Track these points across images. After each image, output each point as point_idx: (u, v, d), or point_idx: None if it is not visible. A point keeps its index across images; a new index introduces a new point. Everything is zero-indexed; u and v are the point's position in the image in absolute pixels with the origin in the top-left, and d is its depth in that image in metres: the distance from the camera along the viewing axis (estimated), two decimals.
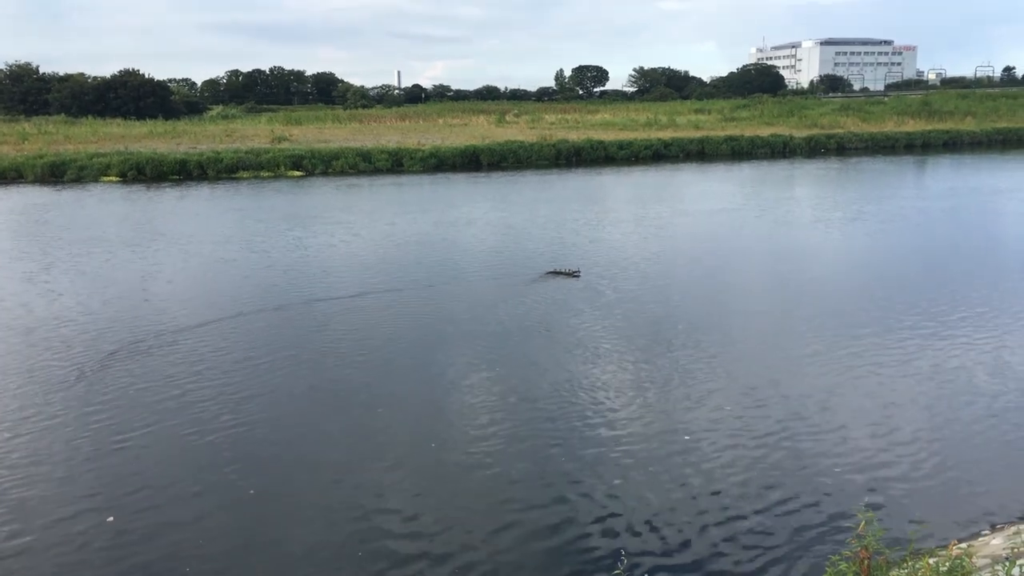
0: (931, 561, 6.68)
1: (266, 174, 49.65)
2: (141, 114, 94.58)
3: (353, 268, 23.56)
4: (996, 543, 8.56)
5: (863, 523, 6.61)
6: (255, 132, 69.01)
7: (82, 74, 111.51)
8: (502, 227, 30.30)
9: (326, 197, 40.64)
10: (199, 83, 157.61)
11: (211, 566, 8.96)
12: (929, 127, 72.50)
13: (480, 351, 15.99)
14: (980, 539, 8.97)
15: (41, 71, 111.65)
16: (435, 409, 13.09)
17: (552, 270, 22.16)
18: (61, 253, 25.97)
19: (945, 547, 8.56)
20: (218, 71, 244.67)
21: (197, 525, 9.70)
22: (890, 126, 73.07)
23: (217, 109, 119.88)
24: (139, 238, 28.62)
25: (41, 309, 19.31)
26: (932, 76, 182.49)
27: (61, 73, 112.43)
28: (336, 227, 30.28)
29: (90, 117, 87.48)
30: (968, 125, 73.73)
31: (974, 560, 7.44)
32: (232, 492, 10.51)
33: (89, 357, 15.63)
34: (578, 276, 21.63)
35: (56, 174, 47.98)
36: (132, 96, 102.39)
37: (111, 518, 9.90)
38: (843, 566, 6.54)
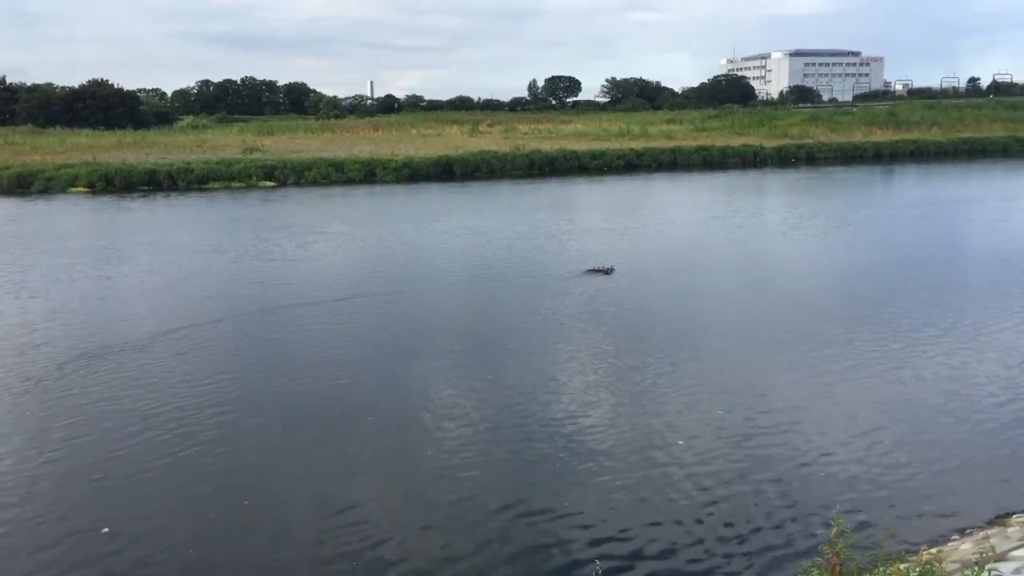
0: (902, 567, 6.74)
1: (237, 184, 49.29)
2: (110, 124, 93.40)
3: (373, 273, 23.87)
4: (966, 548, 8.65)
5: (835, 530, 6.66)
6: (226, 142, 68.45)
7: (50, 84, 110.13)
8: (511, 235, 30.58)
9: (306, 207, 40.42)
10: (169, 93, 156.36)
11: None
12: (896, 137, 73.40)
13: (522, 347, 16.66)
14: (950, 544, 9.06)
15: (8, 81, 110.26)
16: (433, 415, 13.07)
17: (590, 268, 23.86)
18: (27, 264, 25.60)
19: (916, 552, 8.65)
20: (189, 81, 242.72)
21: (183, 535, 9.59)
22: (858, 136, 73.88)
23: (187, 119, 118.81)
24: (106, 249, 28.28)
25: (8, 318, 19.02)
26: (899, 87, 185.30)
27: (28, 83, 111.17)
28: (330, 236, 30.19)
29: (58, 127, 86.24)
30: (934, 135, 74.77)
31: (944, 565, 7.51)
32: (219, 502, 10.45)
33: (55, 366, 15.41)
34: (609, 273, 23.34)
35: (23, 185, 47.32)
36: (101, 106, 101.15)
37: (106, 529, 9.84)
38: (816, 572, 6.58)
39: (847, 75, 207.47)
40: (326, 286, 22.25)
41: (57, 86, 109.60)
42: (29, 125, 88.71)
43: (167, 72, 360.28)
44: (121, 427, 12.78)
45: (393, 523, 9.90)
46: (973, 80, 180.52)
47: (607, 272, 23.42)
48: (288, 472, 11.33)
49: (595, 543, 9.37)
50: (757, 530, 9.58)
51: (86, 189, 47.34)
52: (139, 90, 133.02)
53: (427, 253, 27.41)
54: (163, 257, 26.89)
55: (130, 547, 9.48)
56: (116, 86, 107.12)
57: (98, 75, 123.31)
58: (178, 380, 14.87)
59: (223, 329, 18.23)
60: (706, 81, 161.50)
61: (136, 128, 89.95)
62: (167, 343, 17.10)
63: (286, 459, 11.75)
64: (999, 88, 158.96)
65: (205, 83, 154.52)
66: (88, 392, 14.31)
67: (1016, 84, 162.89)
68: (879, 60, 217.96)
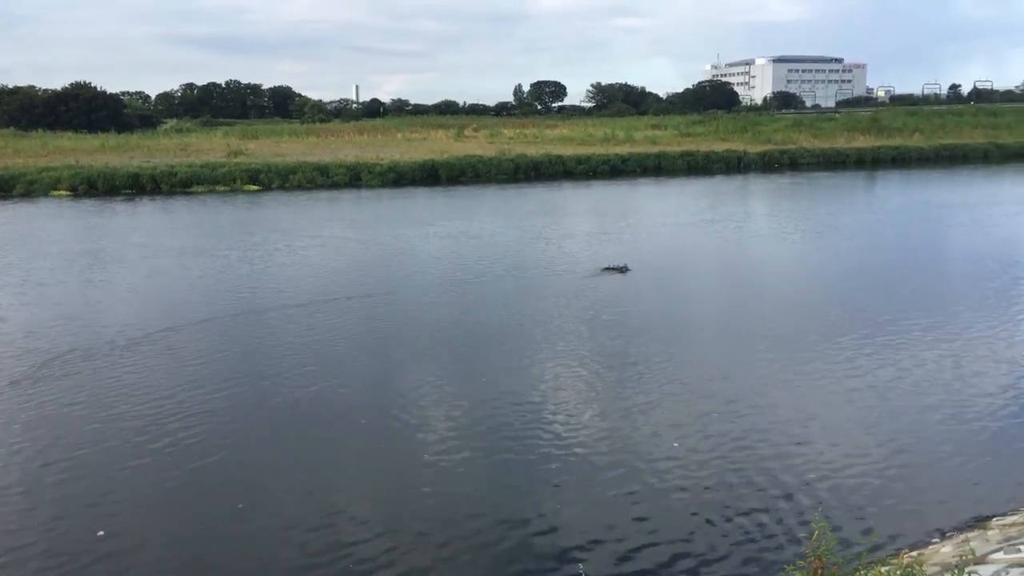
0: (883, 569, 6.80)
1: (222, 188, 49.03)
2: (93, 127, 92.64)
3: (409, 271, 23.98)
4: (946, 551, 8.72)
5: (817, 532, 6.71)
6: (210, 146, 68.06)
7: (32, 86, 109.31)
8: (515, 237, 30.95)
9: (298, 211, 40.24)
10: (153, 96, 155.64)
11: None
12: (879, 143, 73.95)
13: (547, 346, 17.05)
14: (931, 547, 9.13)
15: None
16: (430, 417, 13.04)
17: (606, 267, 24.57)
18: (10, 266, 25.39)
19: (897, 555, 8.72)
20: (172, 84, 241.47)
21: (178, 538, 9.54)
22: (841, 142, 74.36)
23: (171, 123, 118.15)
24: (90, 251, 28.08)
25: None
26: (881, 93, 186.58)
27: (10, 85, 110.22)
28: (336, 240, 30.12)
29: (40, 130, 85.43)
30: (916, 141, 75.34)
31: (925, 568, 7.58)
32: (214, 504, 10.43)
33: (43, 366, 15.28)
34: (624, 272, 24.03)
35: (4, 188, 46.82)
36: (84, 109, 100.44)
37: (101, 532, 9.82)
38: (797, 575, 6.63)
39: (830, 81, 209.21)
40: (341, 286, 22.45)
41: (39, 88, 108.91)
42: (11, 128, 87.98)
43: (151, 75, 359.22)
44: (112, 428, 12.68)
45: (385, 525, 9.87)
46: (954, 87, 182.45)
47: (622, 271, 24.07)
48: (282, 475, 11.27)
49: (581, 546, 9.38)
50: (739, 532, 9.63)
51: (68, 192, 46.96)
52: (122, 93, 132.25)
53: (434, 255, 27.49)
54: (150, 260, 26.72)
55: (128, 549, 9.44)
56: (99, 89, 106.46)
57: (81, 78, 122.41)
58: (170, 381, 14.75)
59: (215, 330, 18.13)
60: (691, 87, 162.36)
61: (119, 131, 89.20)
62: (157, 344, 16.98)
63: (280, 461, 11.70)
64: (980, 95, 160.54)
65: (189, 86, 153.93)
66: (77, 392, 14.18)
67: (996, 91, 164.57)
68: (861, 67, 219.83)
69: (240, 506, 10.45)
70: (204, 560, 9.31)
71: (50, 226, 35.66)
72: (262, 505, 10.47)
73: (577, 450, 11.92)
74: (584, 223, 34.94)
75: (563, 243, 29.60)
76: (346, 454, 12.09)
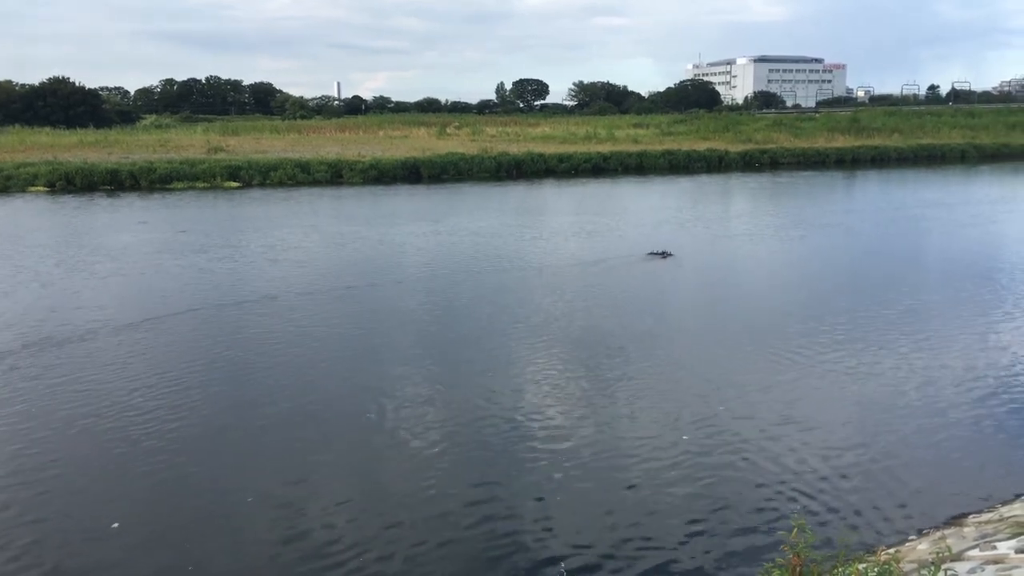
0: (860, 567, 6.83)
1: (202, 185, 48.65)
2: (71, 123, 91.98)
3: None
4: (922, 548, 8.80)
5: (795, 530, 6.73)
6: (190, 142, 67.53)
7: (9, 81, 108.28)
8: (537, 232, 31.48)
9: (278, 208, 39.97)
10: (132, 92, 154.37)
11: None
12: (858, 143, 74.53)
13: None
14: (907, 544, 9.20)
15: None
16: (431, 411, 12.97)
17: (650, 252, 26.05)
18: None
19: (874, 553, 8.79)
20: (152, 80, 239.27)
21: (175, 537, 9.47)
22: (820, 142, 74.89)
23: (151, 118, 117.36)
24: (61, 248, 27.81)
25: None
26: (861, 94, 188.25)
27: None
28: (349, 236, 29.95)
29: (17, 126, 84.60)
30: (895, 141, 75.99)
31: (901, 565, 7.64)
32: (216, 501, 10.31)
33: (8, 355, 15.11)
34: (665, 257, 25.38)
35: None
36: (62, 104, 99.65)
37: (116, 524, 9.75)
38: (776, 572, 6.65)
39: (810, 81, 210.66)
40: (367, 276, 22.73)
41: (16, 83, 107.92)
42: None
43: (130, 70, 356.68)
44: (96, 421, 12.56)
45: (371, 521, 9.82)
46: (933, 88, 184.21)
47: (664, 256, 25.39)
48: (280, 471, 11.17)
49: (555, 546, 9.37)
50: (715, 530, 9.65)
51: (46, 188, 46.50)
52: (101, 88, 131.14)
53: (450, 250, 27.77)
54: (132, 255, 26.45)
55: (135, 541, 9.38)
56: (77, 84, 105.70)
57: (59, 73, 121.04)
58: (154, 372, 14.59)
59: (198, 321, 17.95)
60: (672, 86, 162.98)
61: (98, 127, 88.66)
62: (140, 335, 16.81)
63: (275, 458, 11.57)
64: (958, 96, 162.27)
65: (169, 82, 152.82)
66: (60, 385, 14.04)
67: (974, 92, 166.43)
68: (841, 67, 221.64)
69: (249, 499, 10.41)
70: (207, 557, 9.23)
71: (28, 222, 35.25)
72: (265, 501, 10.37)
73: (553, 449, 11.90)
74: (594, 219, 34.95)
75: (588, 236, 30.34)
76: (345, 449, 11.98)
